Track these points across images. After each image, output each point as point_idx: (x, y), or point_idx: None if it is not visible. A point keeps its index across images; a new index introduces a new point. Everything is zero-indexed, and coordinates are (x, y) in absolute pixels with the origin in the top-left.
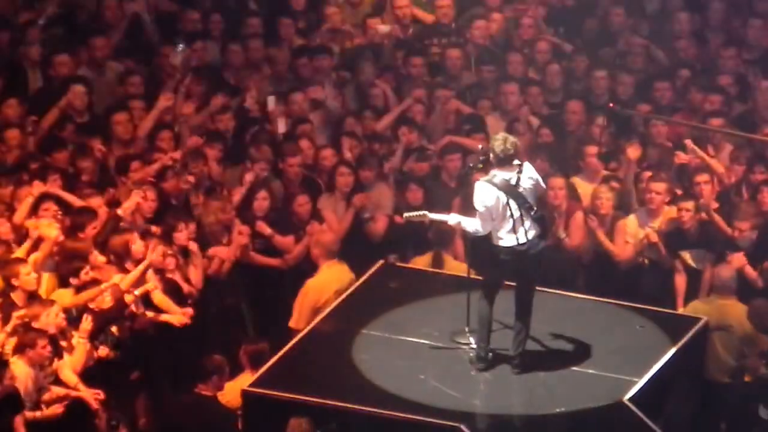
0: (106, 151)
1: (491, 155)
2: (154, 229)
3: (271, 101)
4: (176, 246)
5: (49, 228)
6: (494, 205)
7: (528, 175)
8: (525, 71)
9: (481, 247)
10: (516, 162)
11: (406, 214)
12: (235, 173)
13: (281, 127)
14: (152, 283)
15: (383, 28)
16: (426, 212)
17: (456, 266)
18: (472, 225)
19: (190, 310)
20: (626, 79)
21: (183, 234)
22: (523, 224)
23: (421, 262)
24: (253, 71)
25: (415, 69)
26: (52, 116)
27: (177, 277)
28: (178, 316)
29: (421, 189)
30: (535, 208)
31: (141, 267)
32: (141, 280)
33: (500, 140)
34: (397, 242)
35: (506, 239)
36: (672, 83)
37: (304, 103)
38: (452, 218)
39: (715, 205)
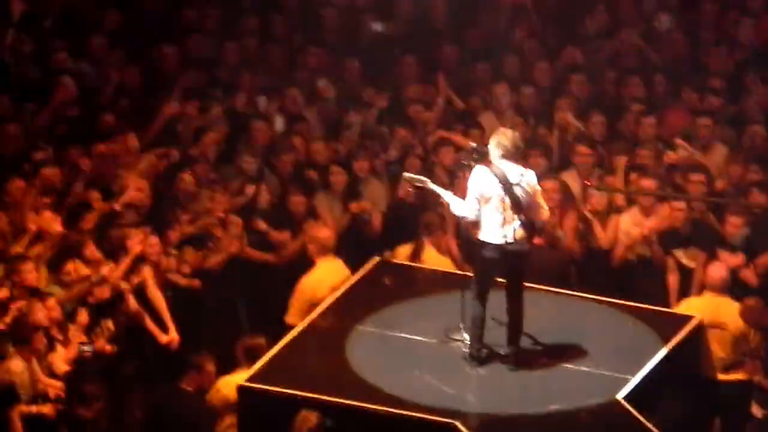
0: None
1: (501, 147)
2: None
3: (262, 101)
4: (170, 240)
5: (51, 222)
6: (486, 193)
7: (527, 181)
8: (520, 70)
9: (472, 246)
10: (520, 161)
11: (406, 175)
12: (230, 172)
13: (278, 125)
14: (148, 272)
15: (377, 25)
16: (427, 179)
17: (436, 258)
18: (460, 208)
19: (176, 337)
20: (612, 76)
21: (176, 230)
22: (511, 222)
23: (403, 252)
24: (248, 69)
25: (409, 66)
26: (47, 111)
27: (173, 275)
28: (163, 336)
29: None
30: (525, 213)
31: (130, 257)
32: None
33: (510, 134)
34: (392, 238)
35: (493, 235)
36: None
37: (299, 99)
38: (447, 195)
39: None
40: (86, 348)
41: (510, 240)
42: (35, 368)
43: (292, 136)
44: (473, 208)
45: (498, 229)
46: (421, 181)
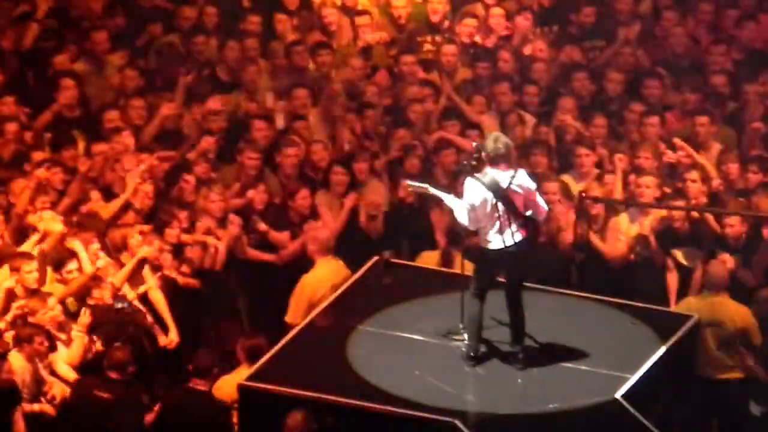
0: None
1: (483, 153)
2: (145, 228)
3: (269, 97)
4: (169, 241)
5: (53, 222)
6: (480, 205)
7: (519, 182)
8: (516, 69)
9: (472, 246)
10: (509, 164)
11: (408, 182)
12: (231, 171)
13: (279, 122)
14: (152, 282)
15: (373, 36)
16: (428, 185)
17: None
18: (461, 215)
19: (175, 338)
20: (615, 76)
21: (175, 230)
22: (510, 226)
23: (429, 258)
24: (249, 67)
25: (406, 67)
26: (48, 113)
27: (173, 273)
28: (163, 338)
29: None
30: (522, 214)
31: (134, 261)
32: (139, 276)
33: (492, 139)
34: (393, 238)
35: (494, 241)
36: (661, 81)
37: (306, 99)
38: (449, 199)
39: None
40: (122, 305)
41: (509, 243)
42: (37, 367)
43: (293, 135)
44: (471, 220)
45: (496, 235)
46: (423, 188)
